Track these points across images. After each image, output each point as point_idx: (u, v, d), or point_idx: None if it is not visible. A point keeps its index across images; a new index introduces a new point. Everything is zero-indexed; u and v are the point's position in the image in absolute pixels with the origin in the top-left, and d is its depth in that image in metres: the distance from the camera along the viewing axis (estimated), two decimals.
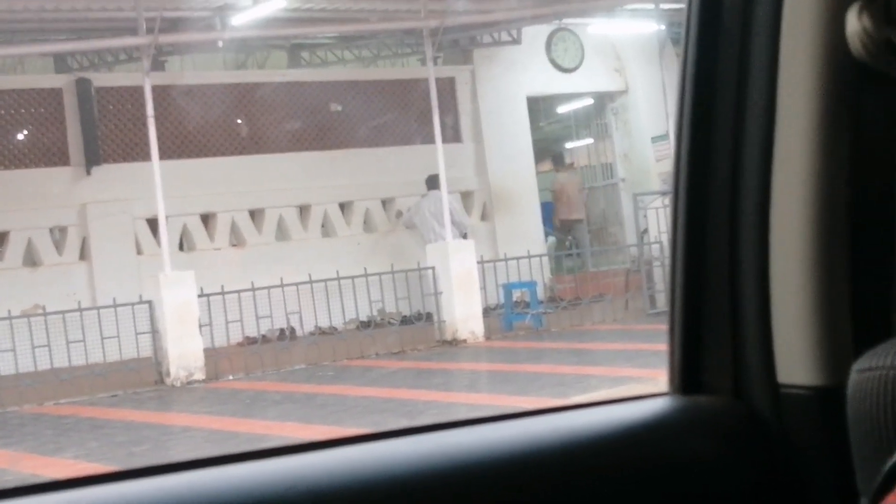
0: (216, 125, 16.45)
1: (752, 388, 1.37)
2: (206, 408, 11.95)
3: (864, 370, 1.08)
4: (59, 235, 15.49)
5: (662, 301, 15.51)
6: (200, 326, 13.54)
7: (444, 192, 15.35)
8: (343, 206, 17.24)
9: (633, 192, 17.78)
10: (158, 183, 13.56)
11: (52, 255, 15.28)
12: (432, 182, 16.08)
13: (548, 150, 21.99)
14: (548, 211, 19.60)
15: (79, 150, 15.47)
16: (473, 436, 1.31)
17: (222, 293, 14.02)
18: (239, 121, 16.77)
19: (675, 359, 1.43)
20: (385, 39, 18.24)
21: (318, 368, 13.67)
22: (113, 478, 1.17)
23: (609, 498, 1.30)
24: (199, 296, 13.66)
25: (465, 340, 14.84)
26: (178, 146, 16.08)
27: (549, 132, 22.91)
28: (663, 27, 17.84)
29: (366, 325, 15.42)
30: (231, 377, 13.46)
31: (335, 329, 15.28)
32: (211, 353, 13.55)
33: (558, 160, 20.69)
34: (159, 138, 14.06)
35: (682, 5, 1.44)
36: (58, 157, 15.50)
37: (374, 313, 15.62)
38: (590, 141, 21.02)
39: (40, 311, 14.08)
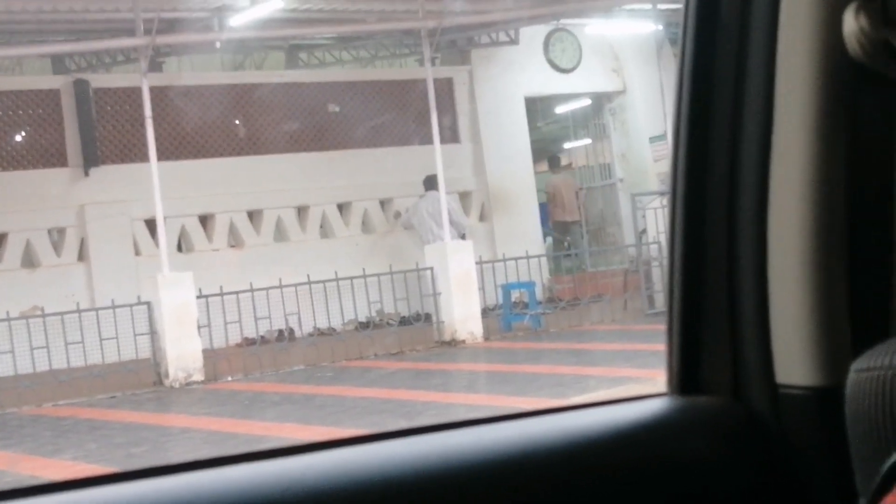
0: (214, 126, 16.45)
1: (750, 389, 1.37)
2: (205, 409, 11.95)
3: (863, 370, 1.08)
4: (57, 237, 15.49)
5: (661, 301, 15.51)
6: (199, 327, 13.54)
7: (443, 192, 15.35)
8: (341, 207, 17.24)
9: (632, 192, 17.78)
10: (156, 184, 13.55)
11: (51, 257, 15.28)
12: (430, 183, 16.08)
13: (546, 150, 22.01)
14: (545, 212, 19.60)
15: (77, 151, 15.47)
16: (472, 437, 1.32)
17: (221, 294, 14.01)
18: (237, 122, 16.77)
19: (674, 359, 1.43)
20: (383, 40, 18.25)
21: (317, 369, 13.67)
22: (112, 479, 1.17)
23: (608, 498, 1.30)
24: (198, 297, 13.65)
25: (463, 341, 14.84)
26: (176, 147, 16.08)
27: (547, 132, 22.92)
28: (661, 27, 17.86)
29: (364, 325, 15.42)
30: (230, 378, 13.46)
31: (334, 330, 15.27)
32: (210, 355, 13.55)
33: (554, 161, 20.69)
34: (157, 139, 14.06)
35: (680, 5, 1.44)
36: (56, 158, 15.49)
37: (373, 314, 15.62)
38: (588, 141, 21.03)
39: (39, 312, 14.07)
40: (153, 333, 13.43)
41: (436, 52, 16.75)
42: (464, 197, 17.95)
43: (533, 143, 19.21)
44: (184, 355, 13.36)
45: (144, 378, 13.33)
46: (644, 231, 16.60)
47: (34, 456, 9.76)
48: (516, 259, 15.99)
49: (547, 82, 19.00)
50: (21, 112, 15.49)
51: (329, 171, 16.89)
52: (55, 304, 14.22)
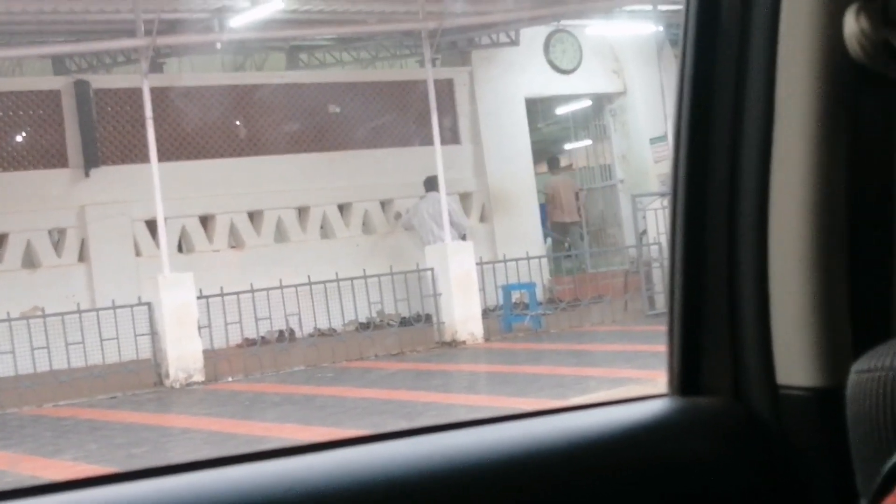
0: (215, 127, 16.45)
1: (751, 390, 1.37)
2: (206, 409, 11.95)
3: (863, 371, 1.08)
4: (57, 237, 15.49)
5: (661, 302, 15.51)
6: (199, 328, 13.54)
7: (443, 193, 15.35)
8: (342, 208, 17.25)
9: (632, 193, 17.78)
10: (157, 185, 13.56)
11: (51, 257, 15.28)
12: (431, 184, 16.08)
13: (546, 151, 22.00)
14: (545, 213, 19.61)
15: (77, 151, 15.47)
16: (473, 437, 1.32)
17: (221, 295, 14.01)
18: (237, 122, 16.77)
19: (675, 360, 1.43)
20: (383, 41, 18.25)
21: (318, 370, 13.67)
22: (112, 479, 1.17)
23: (609, 499, 1.30)
24: (198, 297, 13.65)
25: (464, 342, 14.84)
26: (176, 148, 16.08)
27: (547, 133, 22.92)
28: (661, 29, 17.86)
29: (365, 326, 15.42)
30: (230, 379, 13.46)
31: (334, 330, 15.27)
32: (210, 355, 13.55)
33: (553, 163, 20.71)
34: (158, 140, 14.06)
35: (681, 7, 1.44)
36: (56, 158, 15.50)
37: (374, 315, 15.61)
38: (588, 142, 21.02)
39: (39, 312, 14.07)
40: (154, 334, 13.43)
41: (436, 53, 16.75)
42: (464, 198, 17.95)
43: (533, 144, 19.21)
44: (184, 356, 13.36)
45: (145, 378, 13.33)
46: (644, 232, 16.60)
47: (35, 456, 9.76)
48: (517, 260, 15.99)
49: (547, 83, 19.00)
50: (22, 113, 15.49)
51: (329, 172, 16.89)
52: (56, 304, 14.22)
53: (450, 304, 14.91)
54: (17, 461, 9.62)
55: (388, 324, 15.85)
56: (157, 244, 14.36)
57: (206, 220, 16.31)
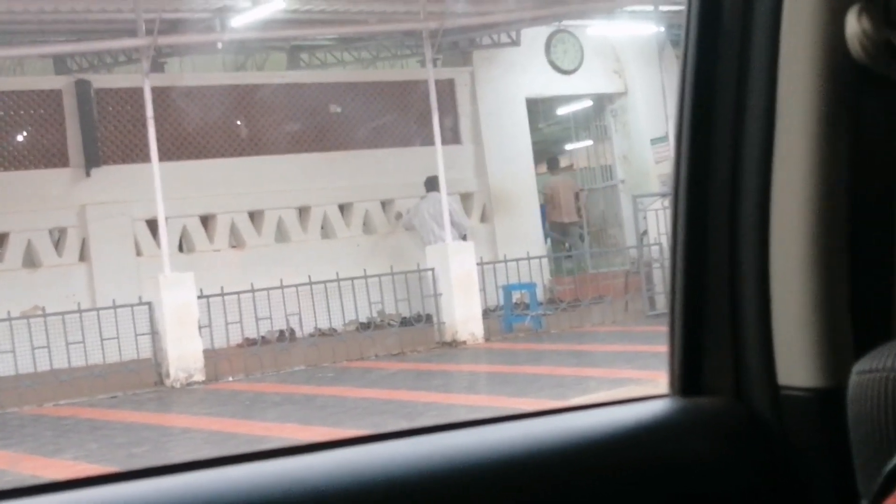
0: (216, 127, 16.45)
1: (752, 390, 1.37)
2: (206, 409, 11.95)
3: (865, 372, 1.08)
4: (58, 237, 15.49)
5: (662, 303, 15.51)
6: (200, 328, 13.54)
7: (444, 193, 15.35)
8: (342, 208, 17.25)
9: (633, 193, 17.78)
10: (158, 184, 13.56)
11: (52, 257, 15.28)
12: (431, 184, 16.08)
13: (547, 151, 22.01)
14: (545, 213, 19.61)
15: (78, 151, 15.47)
16: (474, 437, 1.31)
17: (222, 294, 14.02)
18: (238, 122, 16.77)
19: (676, 360, 1.43)
20: (384, 41, 18.25)
21: (318, 370, 13.67)
22: (112, 479, 1.17)
23: (610, 499, 1.30)
24: (199, 297, 13.66)
25: (464, 342, 14.84)
26: (177, 148, 16.09)
27: (548, 134, 22.92)
28: (663, 29, 17.86)
29: (365, 326, 15.42)
30: (231, 378, 13.46)
31: (335, 330, 15.27)
32: (210, 355, 13.55)
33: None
34: (159, 140, 14.06)
35: (682, 7, 1.44)
36: (57, 158, 15.50)
37: (374, 315, 15.61)
38: (589, 143, 21.02)
39: (40, 312, 14.07)
40: (154, 333, 13.43)
41: (437, 53, 16.75)
42: (465, 198, 17.95)
43: (534, 144, 19.21)
44: (185, 355, 13.36)
45: (145, 378, 13.33)
46: (645, 232, 16.60)
47: (35, 455, 9.76)
48: (517, 260, 15.98)
49: (548, 84, 19.00)
50: (23, 112, 15.50)
51: (330, 172, 16.89)
52: (56, 303, 14.22)
53: (450, 304, 14.91)
54: (17, 460, 9.63)
55: (389, 324, 15.85)
56: (158, 244, 14.36)
57: (206, 220, 16.31)
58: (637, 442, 1.34)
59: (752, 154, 1.35)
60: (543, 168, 21.16)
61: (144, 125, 13.97)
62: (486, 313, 15.51)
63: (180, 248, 15.95)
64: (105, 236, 15.39)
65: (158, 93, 14.67)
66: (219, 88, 16.69)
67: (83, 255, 15.45)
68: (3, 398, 12.45)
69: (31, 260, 15.21)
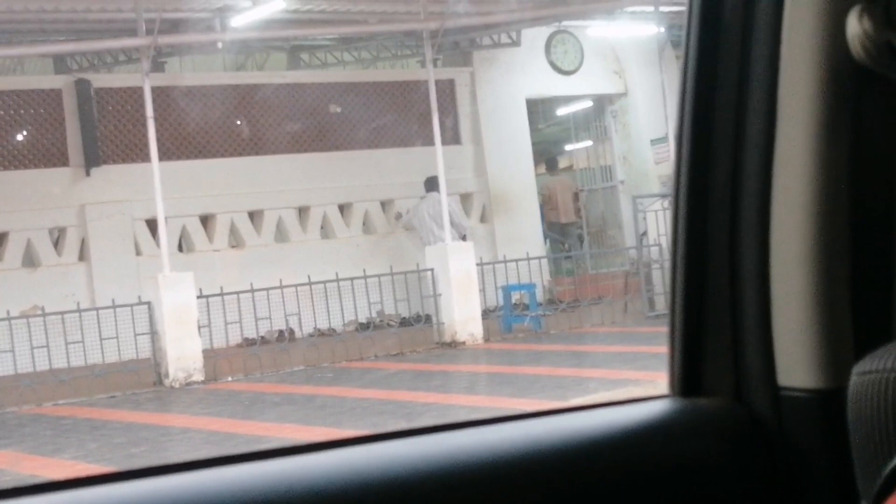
0: (215, 126, 16.46)
1: (752, 391, 1.37)
2: (205, 409, 11.95)
3: (865, 373, 1.08)
4: (58, 236, 15.49)
5: (661, 303, 15.51)
6: (199, 328, 13.54)
7: (444, 194, 15.35)
8: (342, 208, 17.25)
9: (633, 194, 17.79)
10: (158, 184, 13.56)
11: (51, 256, 15.28)
12: (431, 184, 16.08)
13: (547, 152, 22.02)
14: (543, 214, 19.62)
15: (78, 150, 15.47)
16: (474, 437, 1.31)
17: (221, 294, 14.02)
18: (238, 122, 16.77)
19: (676, 361, 1.43)
20: (385, 41, 18.24)
21: (317, 370, 13.67)
22: (112, 478, 1.16)
23: (610, 500, 1.30)
24: (198, 297, 13.66)
25: (463, 342, 14.84)
26: (177, 147, 16.09)
27: (548, 134, 22.92)
28: (663, 30, 17.85)
29: (365, 326, 15.42)
30: (230, 378, 13.46)
31: (334, 331, 15.27)
32: (210, 355, 13.55)
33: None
34: (159, 139, 14.06)
35: (682, 8, 1.44)
36: (57, 157, 15.50)
37: (373, 315, 15.61)
38: (589, 143, 21.02)
39: (39, 311, 14.07)
40: (153, 333, 13.43)
41: (437, 53, 16.74)
42: (465, 198, 17.96)
43: (534, 144, 19.21)
44: (184, 355, 13.36)
45: (144, 378, 13.33)
46: (645, 233, 16.60)
47: (34, 455, 9.76)
48: (517, 261, 15.98)
49: (548, 84, 19.00)
50: (23, 111, 15.50)
51: (330, 172, 16.89)
52: (55, 303, 14.22)
53: (450, 304, 14.91)
54: (16, 460, 9.62)
55: (388, 324, 15.86)
56: (158, 243, 14.36)
57: (206, 220, 16.32)
58: (637, 443, 1.34)
59: (753, 155, 1.35)
60: (543, 168, 21.16)
61: (144, 125, 13.97)
62: (486, 314, 15.51)
63: (180, 248, 15.95)
64: (104, 236, 15.39)
65: (158, 92, 14.68)
66: (219, 88, 16.69)
67: (83, 255, 15.45)
68: (3, 398, 12.45)
69: (30, 259, 15.21)
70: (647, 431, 1.36)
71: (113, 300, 13.73)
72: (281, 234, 16.81)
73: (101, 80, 16.06)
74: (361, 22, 16.26)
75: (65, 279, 15.14)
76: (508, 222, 18.17)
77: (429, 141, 15.61)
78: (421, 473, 1.23)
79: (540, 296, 16.62)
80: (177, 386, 13.21)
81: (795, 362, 1.32)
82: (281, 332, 15.33)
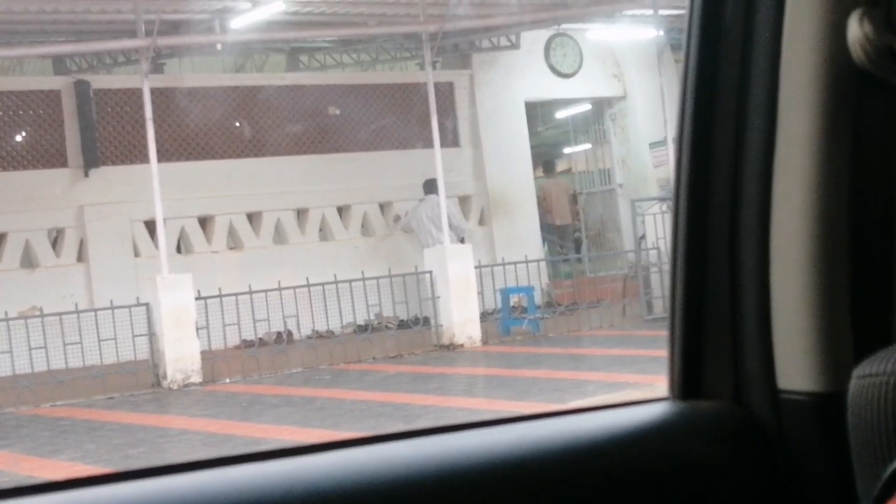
0: (214, 128, 16.45)
1: (752, 394, 1.37)
2: (203, 411, 11.94)
3: (865, 376, 1.08)
4: (56, 237, 15.49)
5: (660, 307, 15.52)
6: (197, 329, 13.54)
7: (443, 196, 15.35)
8: (341, 210, 17.25)
9: (631, 197, 17.79)
10: (156, 185, 13.56)
11: (50, 257, 15.28)
12: (430, 186, 16.09)
13: (546, 154, 22.01)
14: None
15: (77, 152, 15.47)
16: (473, 439, 1.31)
17: (220, 296, 14.02)
18: (237, 124, 16.77)
19: (675, 363, 1.43)
20: (384, 43, 18.25)
21: (315, 372, 13.67)
22: (112, 479, 1.16)
23: (610, 502, 1.30)
24: (197, 298, 13.65)
25: (462, 345, 14.84)
26: (176, 149, 16.08)
27: (547, 137, 22.93)
28: (662, 33, 17.85)
29: (363, 329, 15.42)
30: (228, 380, 13.45)
31: (332, 333, 15.27)
32: (208, 356, 13.55)
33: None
34: (157, 141, 14.06)
35: (682, 11, 1.44)
36: (56, 158, 15.49)
37: (372, 317, 15.61)
38: (588, 146, 21.03)
39: (37, 312, 14.07)
40: (151, 335, 13.43)
41: (437, 55, 16.75)
42: (463, 201, 17.96)
43: (533, 147, 19.22)
44: (182, 357, 13.35)
45: (142, 379, 13.33)
46: (643, 237, 16.60)
47: (32, 456, 9.76)
48: (515, 263, 15.99)
49: (547, 87, 19.01)
50: (22, 112, 15.49)
51: (329, 174, 16.89)
52: (54, 304, 14.22)
53: (448, 307, 14.91)
54: (14, 461, 9.62)
55: (387, 326, 15.85)
56: (156, 245, 14.36)
57: (205, 222, 16.31)
58: (636, 445, 1.34)
59: (753, 159, 1.35)
60: (541, 171, 21.16)
61: (143, 126, 13.97)
62: (484, 316, 15.51)
63: (178, 250, 15.95)
64: (103, 237, 15.38)
65: (157, 94, 14.68)
66: (218, 90, 16.69)
67: (81, 256, 15.45)
68: (1, 399, 12.45)
69: (28, 260, 15.20)
70: (646, 434, 1.36)
71: (111, 301, 13.72)
72: (279, 236, 16.81)
73: (100, 81, 16.05)
74: (361, 24, 16.27)
75: (63, 280, 15.14)
76: (507, 225, 18.17)
77: (428, 143, 15.61)
78: (420, 475, 1.23)
79: (538, 299, 16.62)
80: (175, 387, 13.21)
81: (795, 365, 1.32)
82: (279, 333, 15.32)
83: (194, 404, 12.39)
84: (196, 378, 13.39)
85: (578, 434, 1.34)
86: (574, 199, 20.01)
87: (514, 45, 18.14)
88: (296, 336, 15.38)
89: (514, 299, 16.14)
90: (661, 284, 15.63)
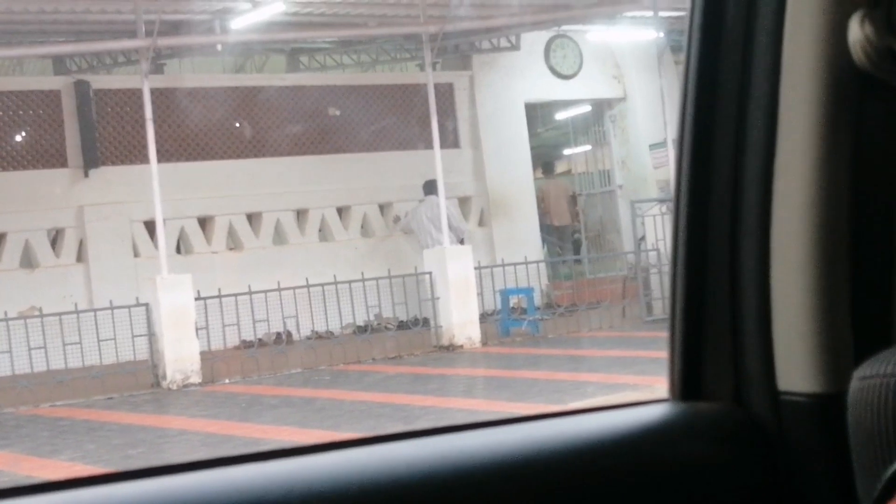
0: (214, 128, 16.45)
1: (752, 395, 1.37)
2: (203, 411, 11.94)
3: (865, 377, 1.08)
4: (56, 237, 15.49)
5: (659, 308, 15.51)
6: (197, 330, 13.53)
7: (442, 197, 15.35)
8: (341, 211, 17.25)
9: (631, 199, 17.79)
10: (156, 186, 13.56)
11: (49, 257, 15.27)
12: (430, 187, 16.09)
13: (546, 156, 22.02)
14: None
15: (77, 152, 15.47)
16: (473, 440, 1.31)
17: (219, 296, 14.01)
18: (237, 124, 16.77)
19: (676, 365, 1.43)
20: (384, 44, 18.25)
21: (315, 373, 13.66)
22: (112, 479, 1.16)
23: (610, 503, 1.30)
24: (196, 299, 13.65)
25: (461, 346, 14.84)
26: (176, 149, 16.08)
27: (547, 138, 22.94)
28: (662, 35, 17.85)
29: (363, 329, 15.41)
30: (227, 381, 13.45)
31: (332, 333, 15.26)
32: (207, 357, 13.54)
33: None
34: (157, 141, 14.06)
35: (682, 13, 1.44)
36: (56, 158, 15.49)
37: (371, 318, 15.61)
38: (588, 148, 21.04)
39: (37, 312, 14.06)
40: (151, 335, 13.42)
41: (437, 56, 16.75)
42: (463, 202, 17.96)
43: (533, 149, 19.22)
44: (181, 357, 13.35)
45: (142, 379, 13.32)
46: (643, 238, 16.59)
47: (31, 456, 9.75)
48: (515, 264, 15.98)
49: (547, 88, 19.01)
50: (21, 112, 15.49)
51: (329, 175, 16.89)
52: (53, 304, 14.21)
53: (448, 308, 14.91)
54: (14, 461, 9.62)
55: (386, 327, 15.85)
56: (156, 245, 14.36)
57: (204, 222, 16.31)
58: (636, 446, 1.34)
59: (754, 160, 1.35)
60: (541, 172, 21.17)
61: (143, 126, 13.97)
62: (484, 317, 15.51)
63: (178, 250, 15.95)
64: (103, 237, 15.38)
65: (157, 94, 14.68)
66: (218, 90, 16.69)
67: (81, 256, 15.45)
68: (0, 399, 12.44)
69: (28, 260, 15.20)
70: (646, 435, 1.36)
71: (111, 301, 13.72)
72: (279, 237, 16.81)
73: (100, 81, 16.05)
74: (361, 25, 16.27)
75: (63, 280, 15.14)
76: (507, 226, 18.17)
77: (427, 144, 15.61)
78: (420, 475, 1.23)
79: (538, 300, 16.61)
80: (174, 388, 13.21)
81: (795, 366, 1.32)
82: (279, 334, 15.32)
83: (194, 405, 12.39)
84: (195, 378, 13.39)
85: (579, 435, 1.34)
86: (574, 200, 20.02)
87: (515, 47, 18.15)
88: (295, 337, 15.38)
89: (513, 300, 16.14)
90: (660, 286, 15.62)
